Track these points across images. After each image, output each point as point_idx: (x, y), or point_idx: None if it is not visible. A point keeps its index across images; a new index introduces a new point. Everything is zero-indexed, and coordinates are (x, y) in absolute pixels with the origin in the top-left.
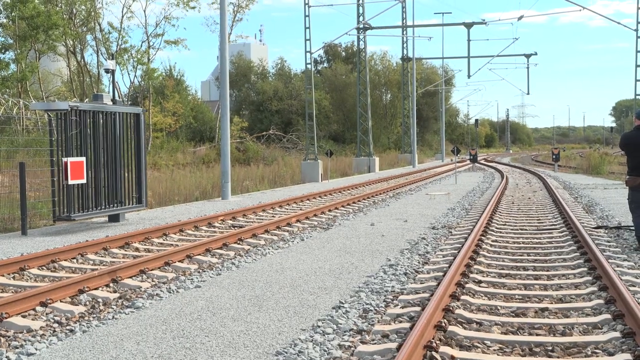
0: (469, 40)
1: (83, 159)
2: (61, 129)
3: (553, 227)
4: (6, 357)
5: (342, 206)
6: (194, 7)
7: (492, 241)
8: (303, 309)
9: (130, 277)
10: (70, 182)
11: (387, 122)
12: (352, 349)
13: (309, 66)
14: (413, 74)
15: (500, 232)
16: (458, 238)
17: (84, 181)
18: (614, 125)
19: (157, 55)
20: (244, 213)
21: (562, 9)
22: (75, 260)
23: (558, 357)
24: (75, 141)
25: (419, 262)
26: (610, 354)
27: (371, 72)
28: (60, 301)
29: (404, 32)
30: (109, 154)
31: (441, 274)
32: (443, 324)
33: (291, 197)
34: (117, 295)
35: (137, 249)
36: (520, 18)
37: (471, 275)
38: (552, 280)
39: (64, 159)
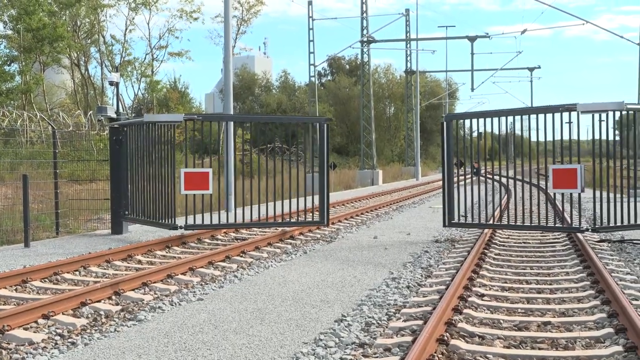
0: (472, 54)
1: (209, 170)
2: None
3: (556, 240)
4: None
5: (345, 219)
6: (196, 19)
7: (495, 254)
8: (305, 322)
9: (133, 290)
10: (184, 192)
11: (390, 134)
12: None
13: (312, 79)
14: (417, 86)
15: (504, 246)
16: (461, 251)
17: (209, 192)
18: (617, 138)
19: (161, 67)
20: (247, 226)
21: (566, 23)
22: (77, 273)
23: None
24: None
25: (421, 276)
26: None
27: (375, 85)
28: (63, 314)
29: (408, 45)
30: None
31: (444, 287)
32: (445, 338)
33: (294, 210)
34: (119, 307)
35: (139, 262)
36: (523, 32)
37: (474, 289)
38: (555, 293)
39: (182, 170)
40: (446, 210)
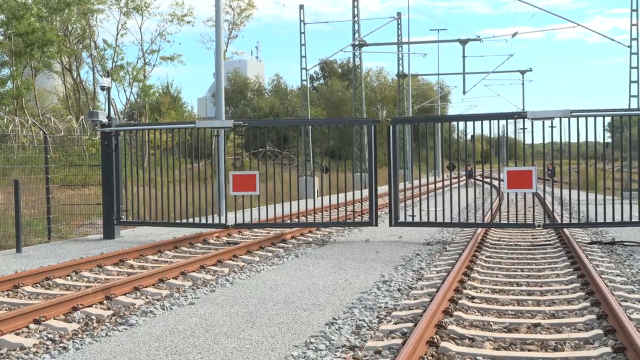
0: (464, 57)
1: (257, 172)
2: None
3: (547, 242)
4: None
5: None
6: (189, 22)
7: (486, 257)
8: (296, 325)
9: (124, 294)
10: (232, 193)
11: (383, 138)
12: None
13: (304, 83)
14: (409, 90)
15: (495, 248)
16: (452, 254)
17: (256, 193)
18: (609, 141)
19: (153, 71)
20: (239, 230)
21: (557, 26)
22: (69, 278)
23: None
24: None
25: (412, 278)
26: None
27: (367, 88)
28: (54, 318)
29: (400, 49)
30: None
31: (435, 289)
32: (435, 340)
33: (286, 214)
34: (110, 312)
35: (131, 266)
36: (514, 35)
37: (464, 291)
38: (545, 295)
39: (231, 172)
40: (392, 210)
